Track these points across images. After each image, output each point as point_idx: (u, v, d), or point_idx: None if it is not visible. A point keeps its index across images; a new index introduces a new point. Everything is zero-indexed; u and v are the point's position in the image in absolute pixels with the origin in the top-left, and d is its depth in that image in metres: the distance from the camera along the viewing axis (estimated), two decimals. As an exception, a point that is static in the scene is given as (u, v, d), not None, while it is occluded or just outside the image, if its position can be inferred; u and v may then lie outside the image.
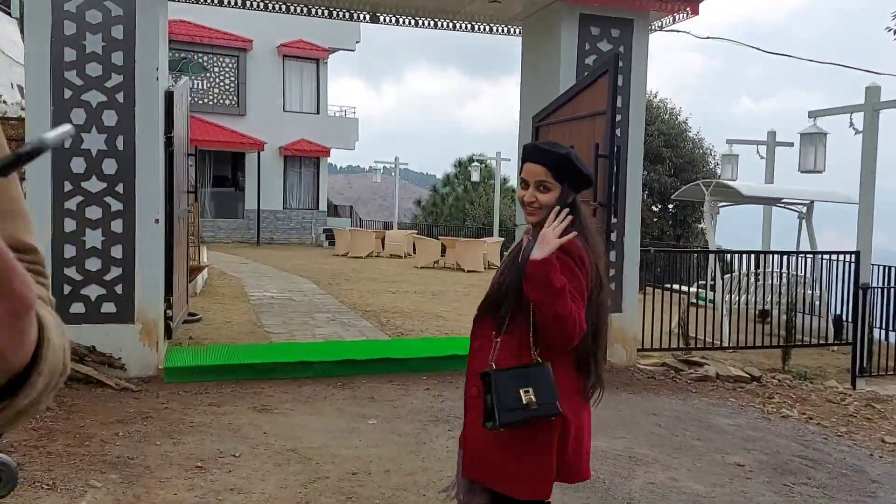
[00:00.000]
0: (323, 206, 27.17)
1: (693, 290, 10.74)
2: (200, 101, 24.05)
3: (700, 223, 22.96)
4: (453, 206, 31.90)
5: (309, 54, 26.40)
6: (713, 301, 10.34)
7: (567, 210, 2.32)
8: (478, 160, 28.19)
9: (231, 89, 25.37)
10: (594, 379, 2.39)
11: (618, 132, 6.48)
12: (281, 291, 12.39)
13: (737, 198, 11.02)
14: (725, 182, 10.98)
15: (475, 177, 27.70)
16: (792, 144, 14.26)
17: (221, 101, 25.12)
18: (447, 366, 6.94)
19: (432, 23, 8.32)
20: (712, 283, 11.19)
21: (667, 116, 22.37)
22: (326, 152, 27.00)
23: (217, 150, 24.93)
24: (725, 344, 9.24)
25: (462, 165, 33.40)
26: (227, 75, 25.14)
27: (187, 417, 5.29)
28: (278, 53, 26.09)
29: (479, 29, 8.33)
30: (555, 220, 2.29)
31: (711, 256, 10.71)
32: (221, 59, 25.06)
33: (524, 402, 2.22)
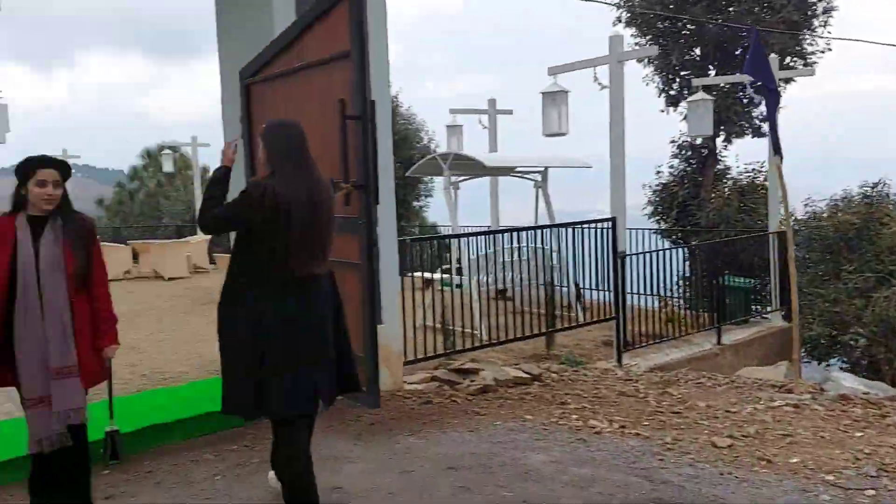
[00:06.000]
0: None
1: (437, 276, 9.67)
2: None
3: (417, 201, 22.32)
4: (145, 203, 27.36)
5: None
6: (460, 286, 9.35)
7: None
8: (170, 148, 24.24)
9: None
10: None
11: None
12: None
13: (477, 170, 10.00)
14: (465, 154, 9.84)
15: (168, 167, 23.84)
16: (512, 112, 13.86)
17: None
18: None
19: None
20: (458, 265, 10.21)
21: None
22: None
23: None
24: (485, 337, 8.21)
25: (151, 156, 28.73)
26: None
27: None
28: None
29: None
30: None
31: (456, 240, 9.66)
32: None
33: None
